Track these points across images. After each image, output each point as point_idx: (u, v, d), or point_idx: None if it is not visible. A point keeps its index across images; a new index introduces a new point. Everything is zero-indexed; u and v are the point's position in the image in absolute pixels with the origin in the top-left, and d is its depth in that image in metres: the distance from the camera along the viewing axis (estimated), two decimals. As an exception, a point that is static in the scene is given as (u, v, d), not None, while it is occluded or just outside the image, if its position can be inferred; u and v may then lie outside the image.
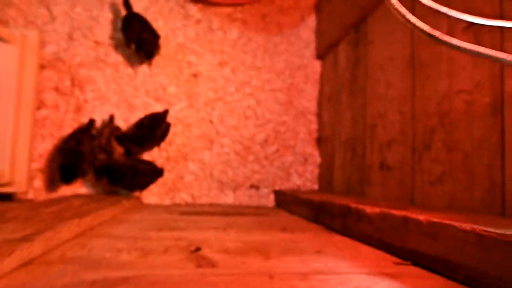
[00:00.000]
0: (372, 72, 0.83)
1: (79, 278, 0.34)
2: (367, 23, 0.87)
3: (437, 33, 0.35)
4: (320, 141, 1.18)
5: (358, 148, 0.88)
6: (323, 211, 0.74)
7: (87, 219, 0.60)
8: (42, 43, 1.08)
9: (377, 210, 0.52)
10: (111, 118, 1.04)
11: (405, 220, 0.45)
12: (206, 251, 0.47)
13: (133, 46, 1.04)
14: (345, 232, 0.62)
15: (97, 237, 0.54)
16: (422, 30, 0.37)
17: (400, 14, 0.40)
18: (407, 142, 0.68)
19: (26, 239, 0.41)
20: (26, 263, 0.38)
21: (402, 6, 0.41)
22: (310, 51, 1.23)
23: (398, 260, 0.45)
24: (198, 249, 0.48)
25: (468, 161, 0.53)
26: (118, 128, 1.03)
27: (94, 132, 1.01)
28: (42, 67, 1.07)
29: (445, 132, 0.57)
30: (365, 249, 0.51)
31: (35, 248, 0.40)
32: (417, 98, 0.65)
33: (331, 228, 0.68)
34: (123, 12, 1.13)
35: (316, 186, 1.18)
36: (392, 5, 0.39)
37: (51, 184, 1.06)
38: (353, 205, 0.59)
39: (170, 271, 0.38)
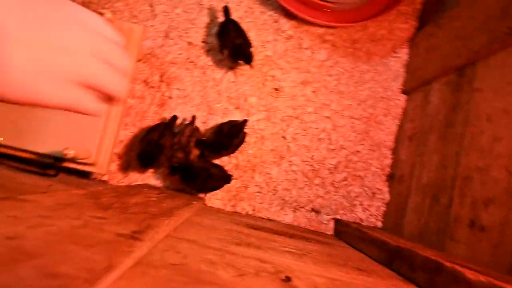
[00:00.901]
0: (475, 121, 0.78)
1: (191, 292, 0.34)
2: (475, 68, 0.82)
3: None
4: (392, 178, 1.13)
5: (442, 197, 0.83)
6: (400, 258, 0.69)
7: (173, 219, 0.61)
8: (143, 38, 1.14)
9: (482, 278, 0.48)
10: (193, 119, 1.07)
11: (526, 301, 0.40)
12: (297, 283, 0.45)
13: (226, 52, 1.06)
14: (430, 289, 0.58)
15: (184, 242, 0.55)
16: None
17: None
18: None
19: (135, 237, 0.42)
20: (135, 264, 0.39)
21: None
22: (396, 84, 1.18)
23: None
24: (288, 279, 0.46)
25: None
26: (198, 129, 1.05)
27: (175, 129, 1.05)
28: (137, 60, 1.13)
29: None
30: (464, 319, 0.47)
31: (143, 248, 0.41)
32: (535, 162, 0.60)
33: (410, 280, 0.64)
34: (220, 18, 1.16)
35: (379, 224, 1.13)
36: None
37: (125, 170, 1.11)
38: (447, 264, 0.55)
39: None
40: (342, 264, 0.66)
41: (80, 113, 0.36)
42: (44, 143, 0.93)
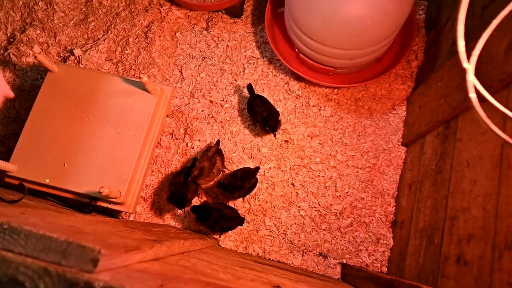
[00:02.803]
0: (459, 167, 0.87)
1: (196, 277, 0.45)
2: (458, 121, 0.94)
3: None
4: (395, 225, 1.19)
5: (436, 238, 0.90)
6: (392, 290, 0.76)
7: (188, 242, 0.72)
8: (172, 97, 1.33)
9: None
10: (218, 142, 1.22)
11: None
12: (285, 290, 0.54)
13: (258, 125, 1.23)
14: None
15: (195, 258, 0.65)
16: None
17: (489, 128, 0.48)
18: (488, 239, 0.69)
19: (157, 241, 0.53)
20: (156, 259, 0.50)
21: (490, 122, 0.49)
22: (396, 137, 1.30)
23: None
24: (278, 286, 0.55)
25: (551, 268, 0.54)
26: (221, 151, 1.21)
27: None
28: (166, 115, 1.32)
29: (528, 235, 0.59)
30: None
31: (162, 249, 0.53)
32: (503, 198, 0.68)
33: (398, 307, 0.70)
34: (238, 80, 1.35)
35: (384, 269, 1.17)
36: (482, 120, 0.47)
37: (149, 211, 1.24)
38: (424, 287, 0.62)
39: (261, 293, 0.46)
40: (336, 291, 0.73)
41: None
42: (82, 185, 1.08)
